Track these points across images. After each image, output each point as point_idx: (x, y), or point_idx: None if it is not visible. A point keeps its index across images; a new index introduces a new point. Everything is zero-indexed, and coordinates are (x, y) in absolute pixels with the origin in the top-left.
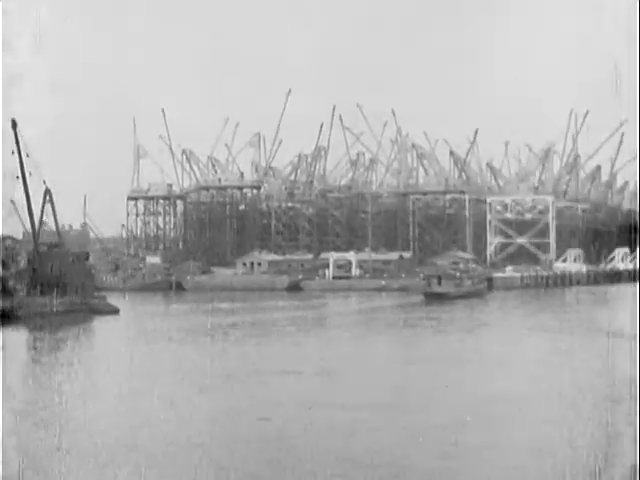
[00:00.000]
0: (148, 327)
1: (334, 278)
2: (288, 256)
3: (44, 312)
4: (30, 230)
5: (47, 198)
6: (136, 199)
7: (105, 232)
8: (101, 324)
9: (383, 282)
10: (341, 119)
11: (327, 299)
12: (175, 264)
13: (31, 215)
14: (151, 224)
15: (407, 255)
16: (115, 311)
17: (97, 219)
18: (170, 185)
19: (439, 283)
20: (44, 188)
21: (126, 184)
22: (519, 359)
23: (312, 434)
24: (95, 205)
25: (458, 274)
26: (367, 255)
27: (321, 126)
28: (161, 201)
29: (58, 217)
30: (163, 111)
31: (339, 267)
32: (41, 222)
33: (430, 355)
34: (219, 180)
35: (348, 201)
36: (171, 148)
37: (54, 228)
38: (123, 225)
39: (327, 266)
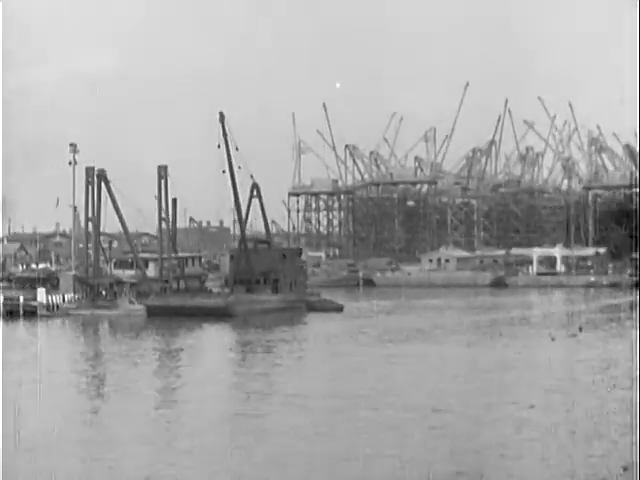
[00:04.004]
0: (392, 326)
1: (538, 274)
2: (479, 252)
3: (254, 310)
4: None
5: (254, 193)
6: (298, 195)
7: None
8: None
9: (592, 278)
10: (510, 112)
11: (546, 295)
12: (358, 260)
13: (238, 210)
14: (312, 220)
15: (602, 251)
16: (338, 308)
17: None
18: (336, 181)
19: None
20: (251, 182)
21: (284, 180)
22: None
23: None
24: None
25: None
26: (569, 251)
27: (498, 119)
28: (323, 197)
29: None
30: (324, 105)
31: (539, 263)
32: (247, 217)
33: None
34: (390, 175)
35: (523, 195)
36: (333, 143)
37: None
38: (274, 222)
39: (522, 262)
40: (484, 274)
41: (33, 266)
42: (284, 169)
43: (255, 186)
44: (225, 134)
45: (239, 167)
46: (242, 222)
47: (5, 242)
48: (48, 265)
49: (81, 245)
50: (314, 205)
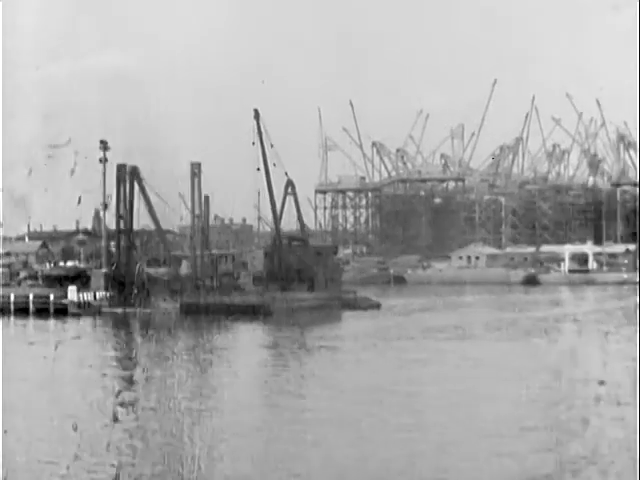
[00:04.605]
0: (434, 324)
1: (570, 271)
2: (509, 249)
3: (290, 308)
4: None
5: (289, 190)
6: (324, 192)
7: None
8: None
9: (625, 275)
10: (537, 109)
11: (580, 292)
12: (386, 257)
13: (273, 208)
14: (339, 217)
15: (632, 248)
16: (376, 306)
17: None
18: (363, 178)
19: None
20: (286, 180)
21: (310, 177)
22: None
23: None
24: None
25: None
26: (600, 248)
27: (526, 116)
28: (350, 194)
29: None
30: (351, 103)
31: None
32: (281, 215)
33: None
34: (418, 172)
35: (551, 192)
36: (360, 140)
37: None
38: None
39: (552, 259)
40: (516, 271)
41: (61, 264)
42: (310, 166)
43: (290, 183)
44: (260, 131)
45: (274, 164)
46: (277, 220)
47: (26, 240)
48: (76, 263)
49: (112, 243)
50: (341, 202)
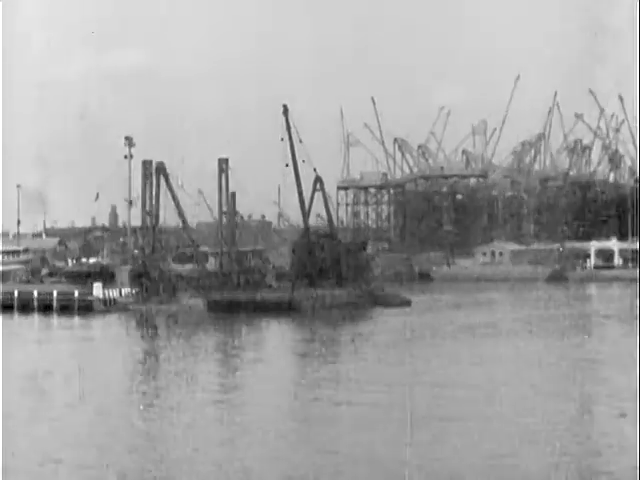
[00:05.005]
0: (468, 321)
1: (595, 268)
2: (534, 245)
3: (320, 304)
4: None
5: (317, 186)
6: (346, 188)
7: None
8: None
9: None
10: (558, 106)
11: (608, 289)
12: (410, 254)
13: (302, 204)
14: (361, 214)
15: None
16: (406, 302)
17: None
18: (385, 174)
19: None
20: (314, 176)
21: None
22: None
23: None
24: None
25: None
26: (626, 244)
27: (549, 111)
28: (372, 190)
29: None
30: (373, 99)
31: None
32: (310, 211)
33: None
34: (441, 168)
35: (573, 188)
36: (382, 137)
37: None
38: (319, 215)
39: (577, 255)
40: (543, 268)
41: (83, 260)
42: (332, 163)
43: (318, 179)
44: (289, 127)
45: (303, 161)
46: (306, 216)
47: (44, 237)
48: (99, 259)
49: (140, 239)
50: (362, 199)
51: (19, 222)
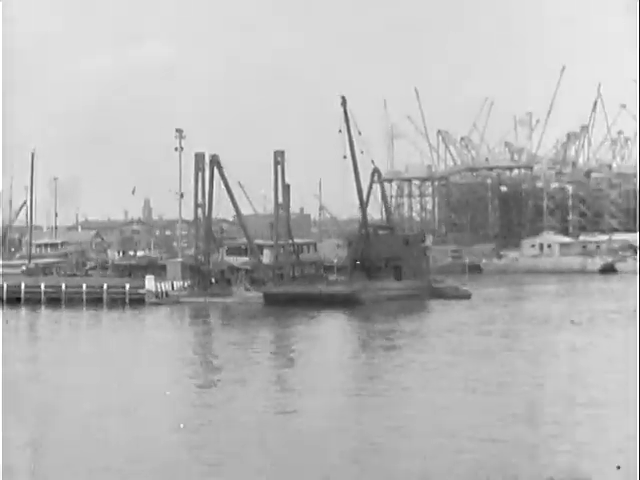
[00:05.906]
0: (537, 313)
1: None
2: (582, 237)
3: (379, 297)
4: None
5: (374, 178)
6: (391, 180)
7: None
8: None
9: None
10: (601, 97)
11: None
12: (460, 246)
13: (360, 196)
14: (405, 206)
15: None
16: (466, 295)
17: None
18: (430, 166)
19: None
20: (372, 168)
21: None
22: None
23: None
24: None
25: None
26: None
27: (594, 103)
28: (416, 182)
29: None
30: (416, 90)
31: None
32: (367, 203)
33: None
34: (486, 160)
35: (618, 180)
36: (425, 129)
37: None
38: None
39: (625, 247)
40: (594, 260)
41: (130, 253)
42: (375, 155)
43: (376, 171)
44: (347, 119)
45: (361, 152)
46: (364, 208)
47: (79, 230)
48: (147, 252)
49: (193, 232)
50: (406, 191)
51: (56, 215)
